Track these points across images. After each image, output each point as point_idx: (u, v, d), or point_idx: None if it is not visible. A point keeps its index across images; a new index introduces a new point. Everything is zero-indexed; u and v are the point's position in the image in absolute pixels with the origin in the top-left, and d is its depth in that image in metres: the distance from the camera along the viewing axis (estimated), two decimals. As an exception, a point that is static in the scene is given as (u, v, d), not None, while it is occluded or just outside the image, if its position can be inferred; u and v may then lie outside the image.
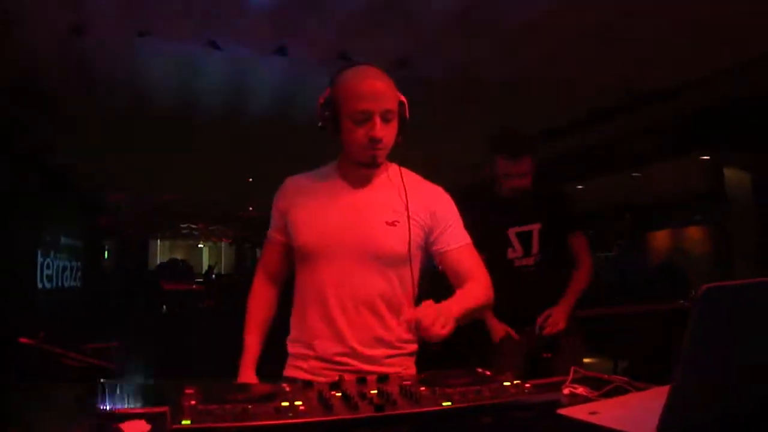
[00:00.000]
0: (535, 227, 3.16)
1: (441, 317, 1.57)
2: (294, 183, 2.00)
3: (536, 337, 3.06)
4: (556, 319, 3.05)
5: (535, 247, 3.16)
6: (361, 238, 1.84)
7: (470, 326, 1.88)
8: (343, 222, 1.85)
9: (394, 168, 1.96)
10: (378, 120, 1.75)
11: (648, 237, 12.59)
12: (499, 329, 3.13)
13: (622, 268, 9.43)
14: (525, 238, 3.17)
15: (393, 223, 1.85)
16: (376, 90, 1.77)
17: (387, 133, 1.78)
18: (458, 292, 1.83)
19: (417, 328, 1.56)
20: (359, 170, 1.89)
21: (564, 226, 3.22)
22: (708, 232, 10.79)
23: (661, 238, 12.38)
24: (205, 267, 25.06)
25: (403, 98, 1.85)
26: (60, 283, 9.60)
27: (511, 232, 3.17)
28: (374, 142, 1.77)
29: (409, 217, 1.86)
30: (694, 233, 11.33)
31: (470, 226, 3.31)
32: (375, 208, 1.87)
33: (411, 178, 1.97)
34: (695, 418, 1.10)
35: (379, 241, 1.84)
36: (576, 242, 3.24)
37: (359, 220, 1.85)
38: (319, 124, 1.86)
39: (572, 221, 3.26)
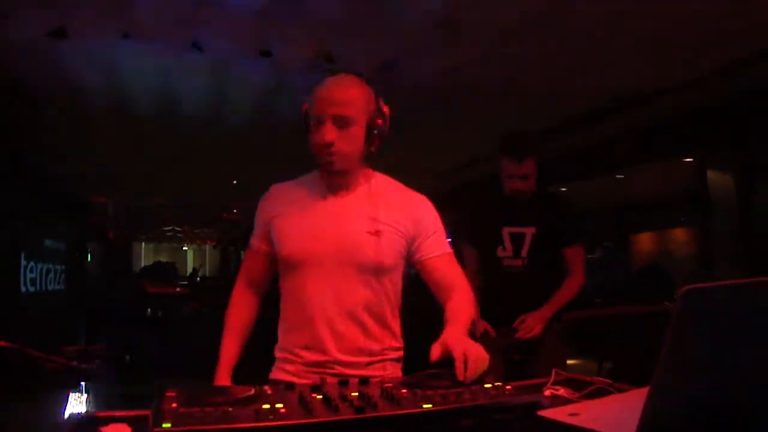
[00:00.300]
0: (529, 231, 3.17)
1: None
2: (278, 191, 2.01)
3: (512, 338, 3.08)
4: (530, 324, 3.06)
5: (524, 250, 3.17)
6: (344, 248, 1.84)
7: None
8: (326, 232, 1.86)
9: (376, 177, 1.97)
10: (327, 124, 1.78)
11: (632, 239, 12.65)
12: (479, 325, 3.14)
13: (606, 270, 9.45)
14: (517, 240, 3.17)
15: (376, 233, 1.85)
16: (330, 96, 1.80)
17: (338, 138, 1.79)
18: (452, 315, 1.80)
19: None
20: (333, 178, 1.90)
21: (562, 236, 3.22)
22: (692, 234, 10.86)
23: (645, 240, 12.45)
24: (189, 270, 24.96)
25: (386, 109, 1.87)
26: (43, 287, 9.51)
27: (505, 231, 3.18)
28: (324, 146, 1.79)
29: (392, 226, 1.87)
30: (679, 235, 11.41)
31: (469, 220, 3.36)
32: (358, 217, 1.87)
33: (393, 186, 1.98)
34: (675, 419, 1.10)
35: (362, 251, 1.84)
36: (572, 254, 3.24)
37: (343, 230, 1.86)
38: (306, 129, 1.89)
39: (573, 233, 3.26)
